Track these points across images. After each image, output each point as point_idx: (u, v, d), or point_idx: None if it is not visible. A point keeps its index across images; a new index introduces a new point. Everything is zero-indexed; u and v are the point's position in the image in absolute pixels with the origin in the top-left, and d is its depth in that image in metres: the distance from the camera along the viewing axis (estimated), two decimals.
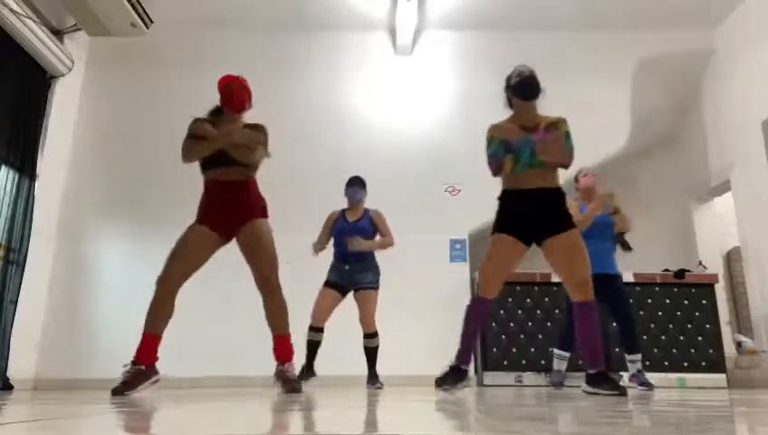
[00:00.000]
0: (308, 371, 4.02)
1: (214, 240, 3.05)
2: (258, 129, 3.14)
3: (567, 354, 4.07)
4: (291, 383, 3.00)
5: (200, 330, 5.25)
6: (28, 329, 4.99)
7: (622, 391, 2.75)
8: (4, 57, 4.72)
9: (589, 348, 2.93)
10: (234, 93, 3.09)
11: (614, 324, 4.28)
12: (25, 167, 4.97)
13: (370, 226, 4.24)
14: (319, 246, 4.22)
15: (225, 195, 3.07)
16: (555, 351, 4.14)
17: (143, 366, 2.79)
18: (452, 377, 2.94)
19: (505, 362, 5.33)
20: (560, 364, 4.09)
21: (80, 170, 5.80)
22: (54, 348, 5.23)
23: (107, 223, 5.74)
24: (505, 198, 3.03)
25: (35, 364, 5.17)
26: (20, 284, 4.77)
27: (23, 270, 4.80)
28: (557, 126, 3.02)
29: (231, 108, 3.11)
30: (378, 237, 4.26)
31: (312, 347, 4.06)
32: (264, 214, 3.14)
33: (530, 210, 2.94)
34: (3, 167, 4.77)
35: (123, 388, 2.68)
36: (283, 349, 3.06)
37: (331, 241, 4.30)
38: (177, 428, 1.20)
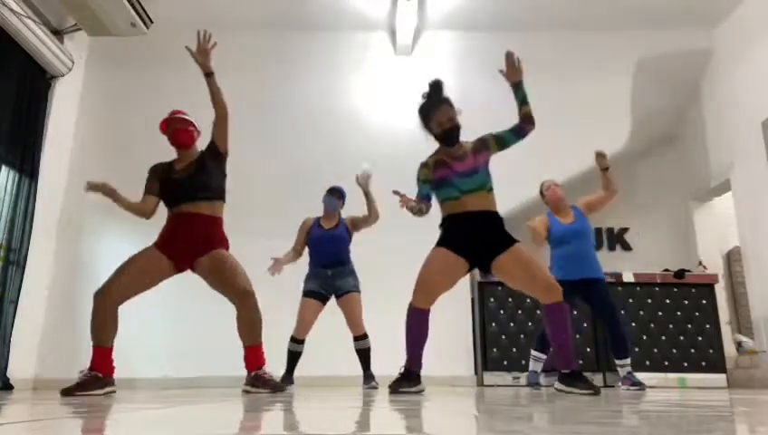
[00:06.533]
0: (287, 379, 4.04)
1: (165, 267, 3.02)
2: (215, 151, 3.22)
3: (544, 356, 4.08)
4: (272, 383, 3.00)
5: (200, 330, 5.25)
6: (28, 329, 4.99)
7: (596, 391, 2.77)
8: (5, 57, 4.72)
9: (562, 349, 2.92)
10: (177, 133, 3.17)
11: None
12: (25, 167, 4.97)
13: (346, 233, 4.26)
14: (295, 256, 4.23)
15: (189, 225, 3.05)
16: (533, 352, 4.13)
17: (100, 374, 2.79)
18: (406, 381, 2.96)
19: (505, 362, 5.33)
20: (535, 365, 4.10)
21: (80, 170, 5.79)
22: (54, 348, 5.23)
23: (107, 223, 5.73)
24: (447, 223, 3.04)
25: (35, 364, 5.17)
26: (20, 284, 4.77)
27: (23, 270, 4.80)
28: (483, 141, 3.08)
29: (180, 145, 3.19)
30: (364, 227, 4.28)
31: (294, 358, 4.10)
32: (227, 248, 3.14)
33: (471, 231, 2.94)
34: (3, 167, 4.77)
35: (75, 389, 2.68)
36: (256, 358, 3.04)
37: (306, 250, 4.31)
38: (172, 428, 1.20)
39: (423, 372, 3.04)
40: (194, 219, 3.05)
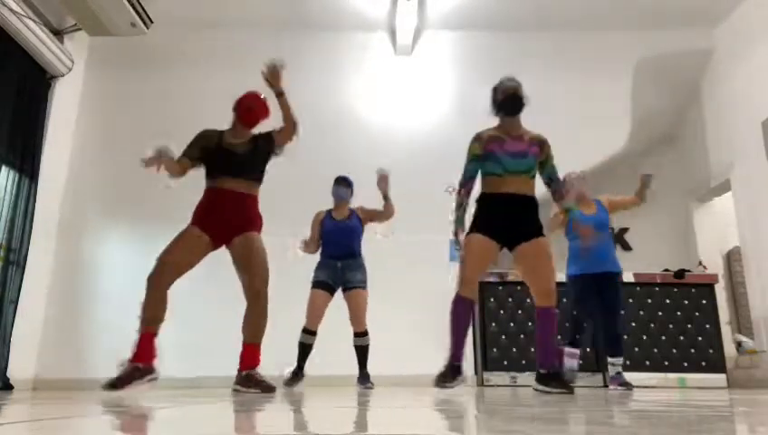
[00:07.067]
0: (299, 373, 4.03)
1: (205, 244, 3.05)
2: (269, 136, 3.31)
3: (576, 351, 4.12)
4: (264, 384, 3.01)
5: (200, 330, 5.25)
6: (28, 329, 4.99)
7: (570, 390, 2.88)
8: (5, 57, 4.72)
9: (544, 350, 3.05)
10: (252, 111, 3.25)
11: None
12: (25, 167, 4.97)
13: (359, 223, 4.28)
14: (312, 248, 4.25)
15: (228, 202, 3.10)
16: (566, 349, 4.15)
17: (140, 364, 2.77)
18: (450, 373, 3.01)
19: (505, 362, 5.33)
20: (570, 363, 4.13)
21: (80, 170, 5.79)
22: (54, 348, 5.23)
23: (107, 223, 5.74)
24: (483, 201, 3.13)
25: (35, 364, 5.17)
26: (20, 284, 4.77)
27: (23, 270, 4.80)
28: (543, 147, 3.17)
29: (248, 123, 3.26)
30: (378, 222, 4.35)
31: (305, 350, 4.09)
32: (260, 230, 3.18)
33: (505, 213, 3.05)
34: (3, 167, 4.77)
35: (117, 383, 2.67)
36: (252, 357, 3.05)
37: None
38: (172, 428, 1.20)
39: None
40: (233, 196, 3.10)
